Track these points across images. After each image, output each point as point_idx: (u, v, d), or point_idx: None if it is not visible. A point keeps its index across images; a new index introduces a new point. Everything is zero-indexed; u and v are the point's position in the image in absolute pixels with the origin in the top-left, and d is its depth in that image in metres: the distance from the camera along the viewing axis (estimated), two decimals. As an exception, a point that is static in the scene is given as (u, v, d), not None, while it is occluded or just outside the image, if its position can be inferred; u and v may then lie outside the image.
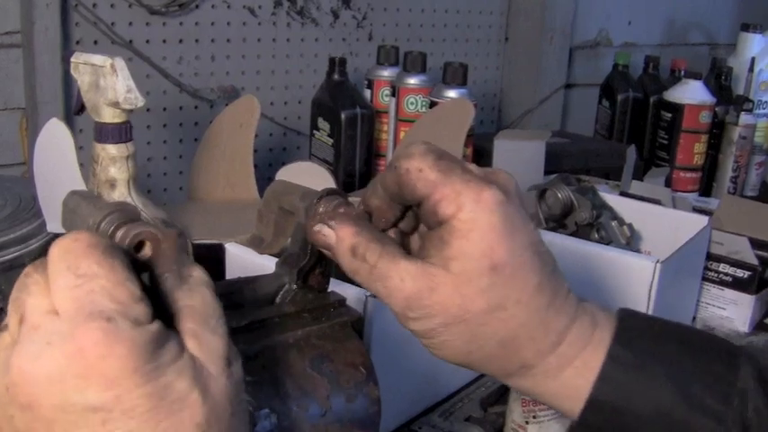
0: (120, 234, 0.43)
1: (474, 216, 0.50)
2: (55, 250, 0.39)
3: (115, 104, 0.87)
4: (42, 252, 1.03)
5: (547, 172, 1.43)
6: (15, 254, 1.00)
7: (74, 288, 0.38)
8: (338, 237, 0.53)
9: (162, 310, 0.41)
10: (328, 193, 0.57)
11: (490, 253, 0.50)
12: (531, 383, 0.55)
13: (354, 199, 0.59)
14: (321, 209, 0.56)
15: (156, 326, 0.38)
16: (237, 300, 0.57)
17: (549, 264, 0.53)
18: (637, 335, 0.55)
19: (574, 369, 0.53)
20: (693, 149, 1.67)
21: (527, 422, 0.87)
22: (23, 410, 0.37)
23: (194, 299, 0.42)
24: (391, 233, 0.56)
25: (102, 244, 0.40)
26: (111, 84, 0.87)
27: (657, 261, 0.95)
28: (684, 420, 0.52)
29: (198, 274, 0.43)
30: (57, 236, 1.06)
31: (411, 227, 0.57)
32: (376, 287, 0.52)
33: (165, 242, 0.43)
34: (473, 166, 0.53)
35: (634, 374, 0.53)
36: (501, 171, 0.54)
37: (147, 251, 0.43)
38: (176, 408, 0.38)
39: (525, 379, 0.55)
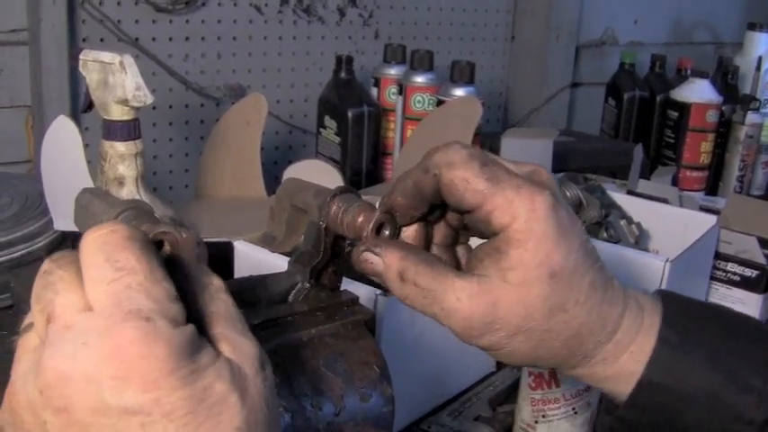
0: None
1: (529, 225, 0.50)
2: (91, 240, 0.38)
3: (124, 102, 0.87)
4: (50, 250, 1.03)
5: (553, 171, 1.43)
6: (22, 251, 1.00)
7: (111, 282, 0.36)
8: (386, 264, 0.52)
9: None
10: (341, 191, 0.57)
11: (548, 261, 0.50)
12: (590, 372, 0.56)
13: (366, 197, 0.59)
14: (335, 207, 0.56)
15: (192, 327, 0.37)
16: (250, 298, 0.57)
17: (597, 259, 0.54)
18: (682, 317, 0.56)
19: (629, 354, 0.55)
20: (700, 148, 1.67)
21: (536, 421, 0.87)
22: (58, 414, 0.35)
23: (218, 305, 0.41)
24: (414, 228, 0.56)
25: (140, 238, 0.39)
26: (119, 81, 0.87)
27: (667, 260, 0.95)
28: (728, 397, 0.54)
29: (217, 282, 0.42)
30: (64, 233, 1.06)
31: (435, 219, 0.57)
32: (433, 310, 0.52)
33: (184, 247, 0.42)
34: (513, 165, 0.53)
35: (682, 355, 0.54)
36: (541, 169, 0.54)
37: (165, 251, 0.43)
38: (216, 411, 0.37)
39: (584, 368, 0.56)
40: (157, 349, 0.35)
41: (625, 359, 0.55)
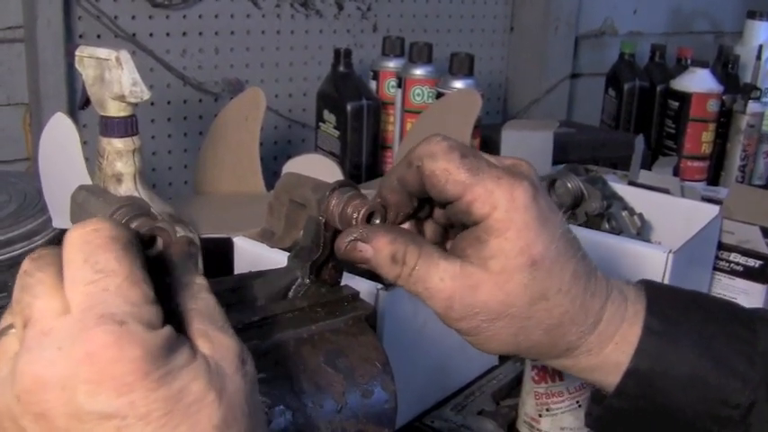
0: (133, 226, 0.42)
1: (509, 215, 0.50)
2: (73, 239, 0.38)
3: (121, 98, 0.86)
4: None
5: (554, 162, 1.42)
6: (21, 250, 0.99)
7: (89, 284, 0.36)
8: (375, 248, 0.53)
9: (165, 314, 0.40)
10: (340, 185, 0.56)
11: (528, 250, 0.51)
12: (573, 362, 0.56)
13: (365, 191, 0.58)
14: (334, 201, 0.55)
15: (168, 329, 0.37)
16: (249, 294, 0.56)
17: (579, 248, 0.54)
18: (666, 306, 0.57)
19: (614, 345, 0.55)
20: (701, 138, 1.66)
21: (540, 415, 0.86)
22: (38, 420, 0.35)
23: (198, 303, 0.41)
24: (407, 225, 0.56)
25: (123, 238, 0.38)
26: (116, 77, 0.86)
27: (670, 251, 0.94)
28: (715, 382, 0.55)
29: (201, 281, 0.42)
30: (63, 231, 1.05)
31: (425, 215, 0.57)
32: (416, 289, 0.53)
33: (174, 246, 0.42)
34: (493, 158, 0.53)
35: (668, 343, 0.55)
36: (521, 161, 0.54)
37: (157, 247, 0.43)
38: (193, 410, 0.36)
39: (568, 359, 0.56)
40: (130, 352, 0.35)
41: (610, 350, 0.55)
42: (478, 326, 0.52)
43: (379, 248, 0.52)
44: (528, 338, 0.53)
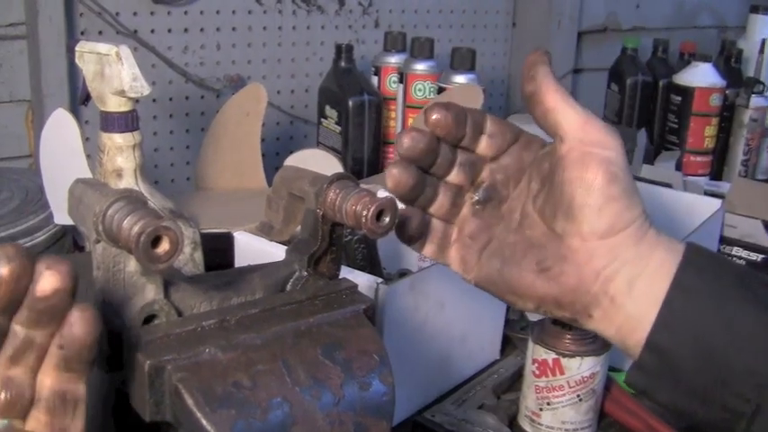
0: (136, 228, 0.42)
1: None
2: None
3: (121, 93, 0.86)
4: (50, 244, 1.02)
5: (557, 157, 1.41)
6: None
7: None
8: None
9: None
10: (338, 177, 0.56)
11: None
12: (637, 240, 0.58)
13: (366, 186, 0.58)
14: (331, 194, 0.55)
15: None
16: (247, 287, 0.56)
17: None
18: (704, 252, 0.58)
19: (663, 251, 0.58)
20: (704, 133, 1.65)
21: (541, 409, 0.86)
22: None
23: None
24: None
25: None
26: (116, 72, 0.86)
27: (671, 245, 0.94)
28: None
29: None
30: (64, 227, 1.05)
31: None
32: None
33: None
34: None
35: (709, 282, 0.56)
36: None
37: (165, 246, 0.43)
38: None
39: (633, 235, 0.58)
40: None
41: (657, 256, 0.57)
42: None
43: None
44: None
